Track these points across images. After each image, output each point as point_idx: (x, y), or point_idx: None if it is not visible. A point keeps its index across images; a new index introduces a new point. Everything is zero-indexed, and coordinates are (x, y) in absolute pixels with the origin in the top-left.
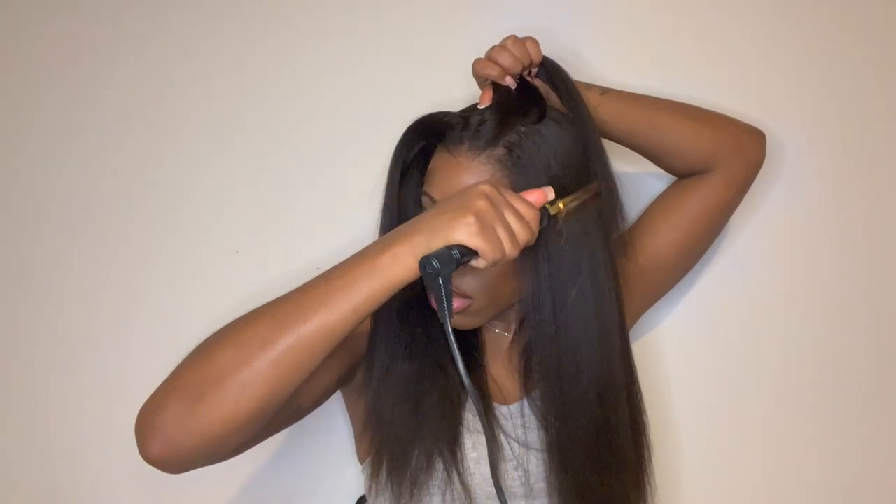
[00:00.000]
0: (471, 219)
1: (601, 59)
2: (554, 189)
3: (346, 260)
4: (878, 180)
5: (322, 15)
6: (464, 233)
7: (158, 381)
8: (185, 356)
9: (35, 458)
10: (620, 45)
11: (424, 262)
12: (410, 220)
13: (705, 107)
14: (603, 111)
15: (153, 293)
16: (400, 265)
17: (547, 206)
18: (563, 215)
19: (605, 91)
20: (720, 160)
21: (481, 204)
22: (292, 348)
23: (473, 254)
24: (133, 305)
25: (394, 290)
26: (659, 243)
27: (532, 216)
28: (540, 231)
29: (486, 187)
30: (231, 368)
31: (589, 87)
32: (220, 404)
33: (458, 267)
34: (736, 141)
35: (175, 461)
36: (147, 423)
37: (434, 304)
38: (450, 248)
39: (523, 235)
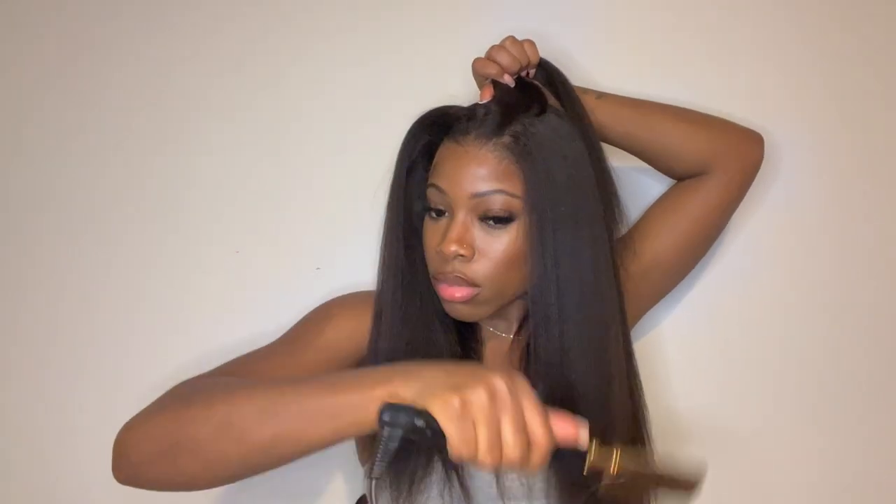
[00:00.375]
0: (455, 400)
1: (600, 62)
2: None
3: (346, 377)
4: (877, 180)
5: (322, 15)
6: (438, 407)
7: (158, 381)
8: (173, 387)
9: (35, 458)
10: (619, 46)
11: (383, 409)
12: (419, 363)
13: (704, 109)
14: (599, 115)
15: (153, 293)
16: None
17: (583, 445)
18: (609, 480)
19: (600, 95)
20: (718, 162)
21: (478, 394)
22: (267, 446)
23: (441, 438)
24: (133, 305)
25: (373, 429)
26: (659, 245)
27: (541, 439)
28: (567, 471)
29: (499, 381)
30: (205, 444)
31: (585, 91)
32: (187, 471)
33: (411, 437)
34: (733, 143)
35: (141, 488)
36: (121, 453)
37: (442, 293)
38: (420, 414)
39: (512, 454)
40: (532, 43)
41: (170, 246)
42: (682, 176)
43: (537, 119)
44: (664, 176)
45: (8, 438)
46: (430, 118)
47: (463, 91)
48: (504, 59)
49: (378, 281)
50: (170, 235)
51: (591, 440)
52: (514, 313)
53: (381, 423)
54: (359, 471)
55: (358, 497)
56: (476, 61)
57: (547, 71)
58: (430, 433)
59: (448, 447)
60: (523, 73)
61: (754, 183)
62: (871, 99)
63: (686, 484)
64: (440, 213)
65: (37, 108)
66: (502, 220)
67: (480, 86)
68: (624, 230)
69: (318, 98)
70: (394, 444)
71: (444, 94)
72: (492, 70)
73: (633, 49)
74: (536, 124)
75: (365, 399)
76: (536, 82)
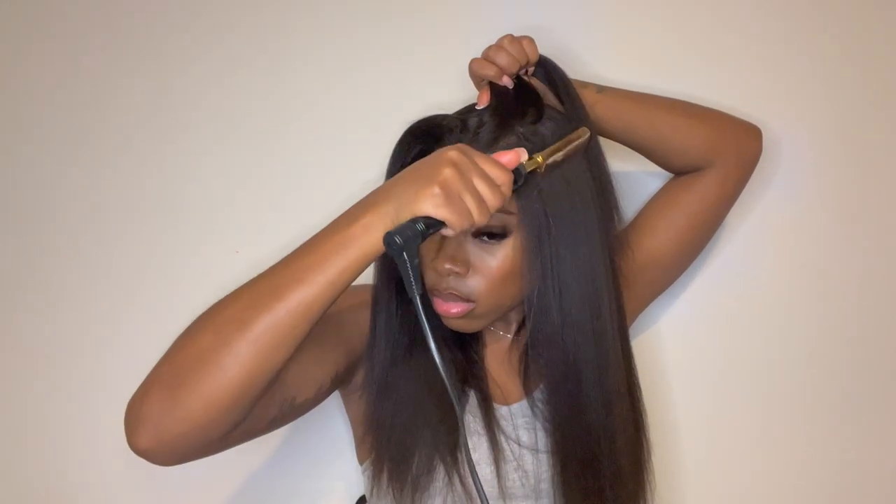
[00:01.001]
0: (436, 189)
1: (597, 57)
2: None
3: (319, 233)
4: (876, 177)
5: (321, 17)
6: (429, 204)
7: None
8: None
9: (35, 457)
10: (617, 42)
11: (388, 239)
12: (378, 188)
13: (702, 104)
14: (599, 109)
15: (153, 293)
16: (372, 235)
17: (523, 164)
18: (542, 170)
19: (601, 89)
20: (716, 156)
21: (447, 172)
22: (270, 327)
23: (441, 224)
24: (133, 305)
25: (368, 261)
26: (656, 241)
27: (504, 179)
28: (519, 189)
29: (453, 153)
30: (210, 351)
31: (585, 85)
32: (202, 388)
33: (424, 239)
34: (732, 137)
35: (163, 451)
36: (133, 414)
37: (438, 308)
38: (415, 220)
39: (493, 201)
40: (531, 40)
41: (170, 246)
42: (680, 170)
43: (533, 127)
44: (660, 174)
45: (8, 438)
46: (421, 127)
47: (460, 93)
48: (502, 59)
49: (373, 289)
50: (170, 235)
51: (529, 156)
52: (514, 315)
53: (396, 249)
54: (358, 471)
55: (358, 497)
56: (473, 62)
57: (546, 69)
58: (432, 228)
59: (449, 228)
60: (522, 72)
61: (752, 179)
62: (869, 95)
63: (580, 134)
64: None
65: (38, 109)
66: (496, 235)
67: (478, 86)
68: (621, 226)
69: (318, 100)
70: (416, 258)
71: (442, 95)
72: (489, 72)
73: (629, 46)
74: (531, 135)
75: (350, 244)
76: (535, 81)
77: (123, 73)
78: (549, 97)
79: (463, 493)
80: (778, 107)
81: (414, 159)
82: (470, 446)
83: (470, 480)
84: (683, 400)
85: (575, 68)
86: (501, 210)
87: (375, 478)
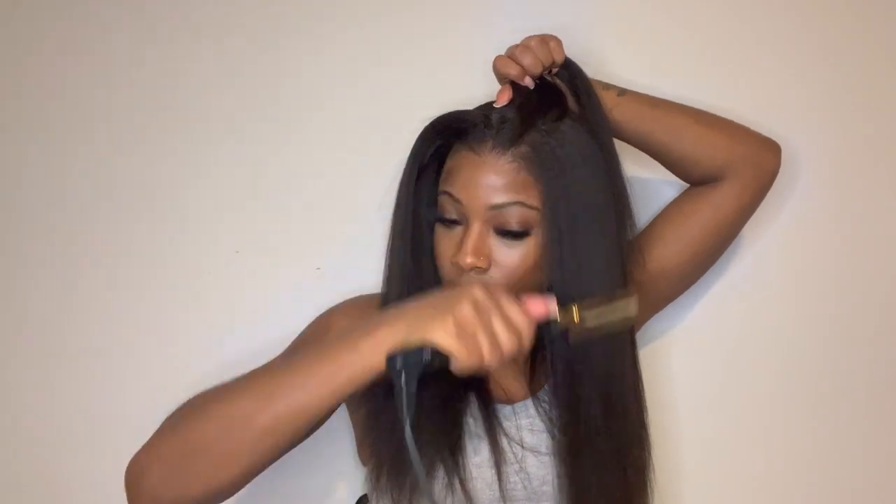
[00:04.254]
0: (450, 322)
1: (610, 58)
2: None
3: (330, 339)
4: (887, 188)
5: (326, 15)
6: (439, 335)
7: (158, 381)
8: (168, 415)
9: (35, 458)
10: (632, 44)
11: (390, 360)
12: (398, 307)
13: (718, 110)
14: (619, 113)
15: (153, 293)
16: (381, 351)
17: (555, 317)
18: (574, 328)
19: (622, 92)
20: (734, 169)
21: (466, 308)
22: (272, 428)
23: (447, 358)
24: (133, 305)
25: (373, 376)
26: (668, 251)
27: (524, 327)
28: (549, 337)
29: (477, 292)
30: (213, 442)
31: (607, 87)
32: (203, 474)
33: (424, 370)
34: (751, 151)
35: None
36: (134, 485)
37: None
38: (423, 349)
39: (509, 346)
40: (558, 42)
41: (170, 246)
42: (696, 181)
43: (555, 125)
44: (675, 183)
45: (9, 438)
46: (443, 122)
47: (474, 92)
48: (527, 60)
49: (384, 287)
50: (170, 235)
51: (559, 307)
52: None
53: (396, 371)
54: (359, 471)
55: (358, 497)
56: (497, 60)
57: (570, 71)
58: (438, 361)
59: (456, 363)
60: (545, 73)
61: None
62: (882, 104)
63: (623, 306)
64: (453, 223)
65: (39, 110)
66: (519, 234)
67: (501, 82)
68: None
69: (321, 98)
70: (413, 386)
71: (454, 94)
72: (512, 71)
73: (644, 50)
74: (553, 132)
75: (356, 356)
76: (558, 82)
77: (125, 74)
78: (570, 100)
79: (463, 496)
80: (793, 116)
81: (433, 154)
82: (471, 450)
83: (470, 483)
84: (686, 402)
85: (595, 68)
86: (525, 205)
87: (375, 481)
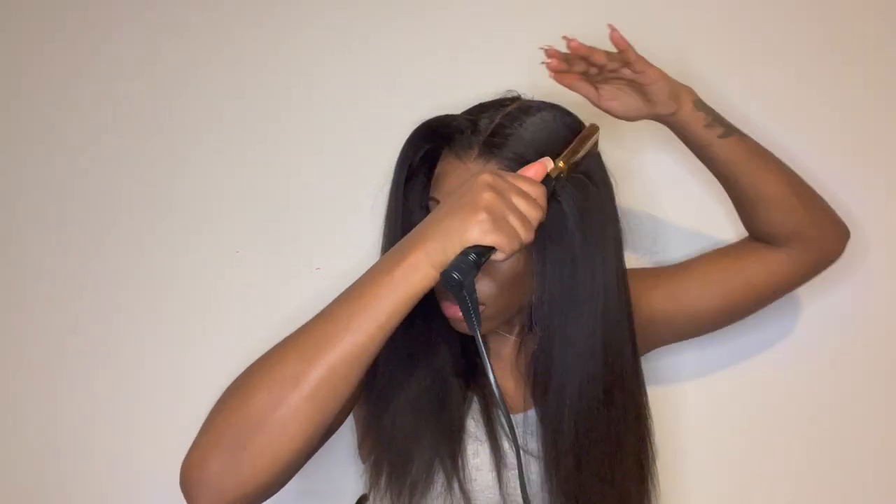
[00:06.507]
0: (483, 215)
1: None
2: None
3: (362, 277)
4: None
5: (324, 15)
6: (477, 231)
7: (158, 381)
8: (215, 403)
9: (35, 458)
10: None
11: (447, 277)
12: (420, 226)
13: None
14: (712, 150)
15: (152, 292)
16: (418, 274)
17: (549, 172)
18: (565, 173)
19: (725, 135)
20: (800, 244)
21: (488, 197)
22: (325, 380)
23: (491, 250)
24: (132, 305)
25: (416, 300)
26: (704, 291)
27: (538, 193)
28: (551, 197)
29: (487, 177)
30: (268, 411)
31: (710, 125)
32: (264, 449)
33: (478, 270)
34: (822, 235)
35: None
36: (193, 481)
37: (446, 311)
38: (466, 252)
39: (535, 216)
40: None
41: (170, 246)
42: (757, 236)
43: (532, 117)
44: (710, 238)
45: (9, 438)
46: (430, 127)
47: (472, 94)
48: (599, 58)
49: None
50: (170, 235)
51: (554, 164)
52: (517, 317)
53: (455, 285)
54: (359, 471)
55: (358, 497)
56: (572, 41)
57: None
58: (483, 257)
59: (499, 253)
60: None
61: None
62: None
63: (592, 130)
64: None
65: (40, 112)
66: None
67: (562, 58)
68: (626, 247)
69: (322, 99)
70: (474, 294)
71: (449, 96)
72: (557, 64)
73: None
74: (531, 125)
75: (397, 282)
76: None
77: (125, 75)
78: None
79: (462, 498)
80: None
81: (422, 159)
82: (471, 452)
83: (469, 485)
84: (688, 406)
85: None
86: None
87: (375, 481)
